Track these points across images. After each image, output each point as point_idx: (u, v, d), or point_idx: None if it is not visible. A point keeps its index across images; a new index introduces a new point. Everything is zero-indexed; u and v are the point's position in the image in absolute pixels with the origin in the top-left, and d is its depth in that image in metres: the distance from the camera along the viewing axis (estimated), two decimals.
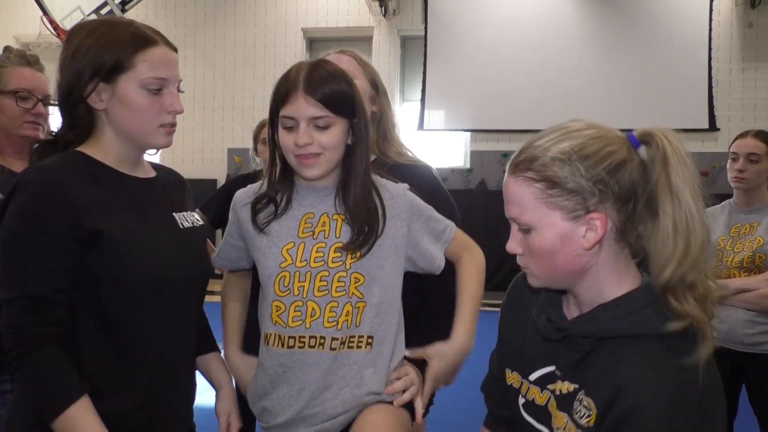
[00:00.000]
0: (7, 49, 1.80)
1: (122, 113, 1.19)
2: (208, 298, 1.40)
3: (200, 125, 11.61)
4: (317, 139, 1.24)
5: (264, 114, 1.46)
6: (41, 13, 8.80)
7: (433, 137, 10.82)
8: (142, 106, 1.18)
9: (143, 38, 1.18)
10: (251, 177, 2.84)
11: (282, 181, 1.35)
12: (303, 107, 1.23)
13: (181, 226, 1.30)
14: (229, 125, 11.37)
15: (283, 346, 1.27)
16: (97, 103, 1.19)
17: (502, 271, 5.40)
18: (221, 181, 11.50)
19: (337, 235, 1.29)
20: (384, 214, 1.32)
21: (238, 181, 2.97)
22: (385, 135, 1.73)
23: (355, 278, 1.27)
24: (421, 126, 10.16)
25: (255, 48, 11.05)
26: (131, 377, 1.16)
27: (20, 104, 1.67)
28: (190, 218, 1.35)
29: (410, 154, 1.78)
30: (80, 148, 1.22)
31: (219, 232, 1.99)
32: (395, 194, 1.37)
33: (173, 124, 1.25)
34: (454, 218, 1.53)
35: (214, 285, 1.44)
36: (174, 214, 1.31)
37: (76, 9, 9.10)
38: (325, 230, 1.29)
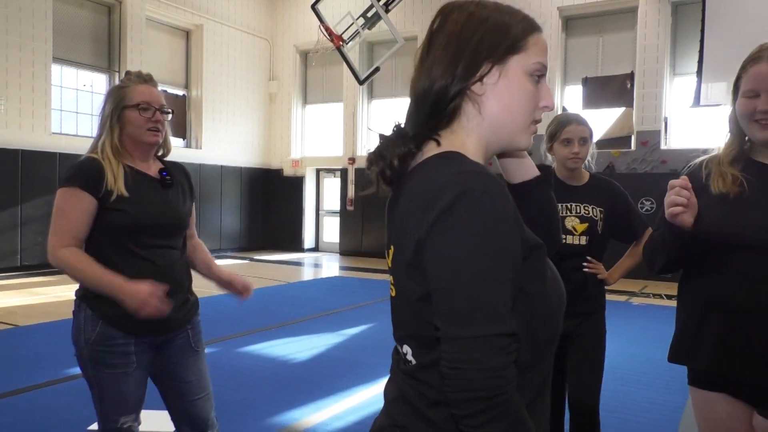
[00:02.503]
0: (127, 73, 2.03)
1: (501, 102, 0.97)
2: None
3: None
4: None
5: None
6: (318, 23, 9.90)
7: (711, 113, 9.49)
8: (526, 93, 0.97)
9: (532, 20, 1.01)
10: None
11: None
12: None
13: None
14: None
15: None
16: (479, 89, 0.97)
17: None
18: None
19: None
20: None
21: None
22: None
23: None
24: (697, 102, 8.94)
25: None
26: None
27: (142, 114, 1.92)
28: None
29: None
30: (445, 148, 0.98)
31: None
32: None
33: (538, 122, 1.02)
34: None
35: None
36: None
37: (346, 15, 10.01)
38: None
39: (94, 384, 1.90)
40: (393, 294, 0.98)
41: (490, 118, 0.97)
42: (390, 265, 0.97)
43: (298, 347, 5.08)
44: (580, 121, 2.37)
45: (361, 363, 4.64)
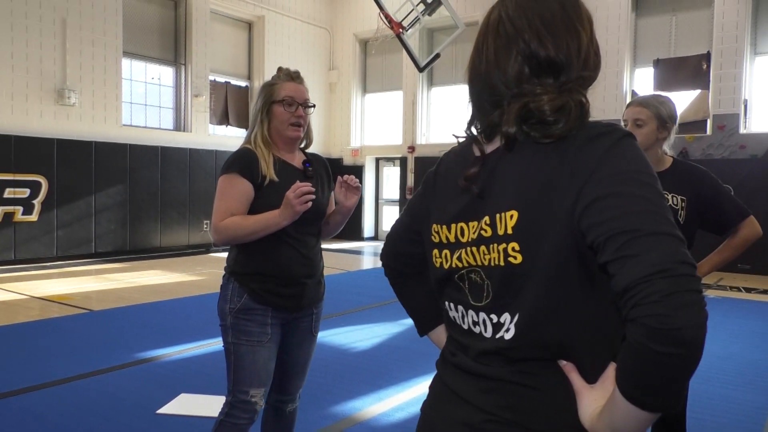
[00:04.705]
0: (279, 69, 2.19)
1: None
2: None
3: None
4: None
5: None
6: (378, 10, 9.83)
7: None
8: None
9: None
10: None
11: None
12: None
13: None
14: None
15: None
16: None
17: None
18: None
19: None
20: None
21: None
22: None
23: None
24: None
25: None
26: None
27: (286, 110, 2.09)
28: None
29: None
30: None
31: None
32: None
33: None
34: None
35: None
36: None
37: (406, 1, 9.89)
38: None
39: (231, 352, 2.06)
40: (502, 263, 0.90)
41: None
42: (508, 231, 0.89)
43: (360, 336, 5.07)
44: (636, 103, 2.22)
45: (421, 353, 4.58)
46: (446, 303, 1.04)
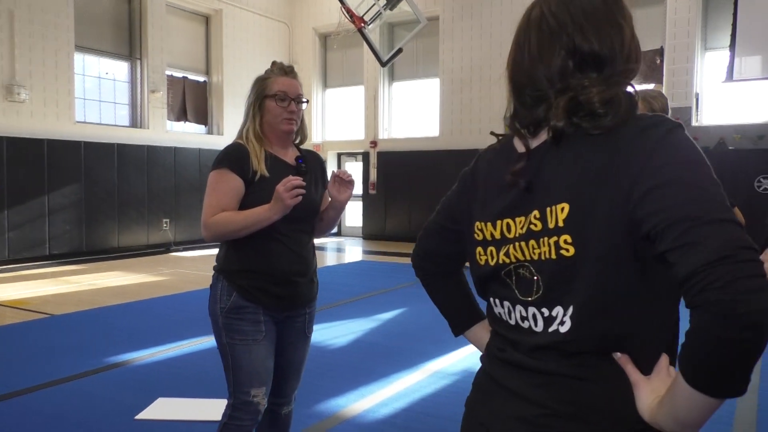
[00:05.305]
0: (273, 63, 2.16)
1: None
2: None
3: (477, 95, 11.75)
4: None
5: None
6: (339, 5, 9.75)
7: (745, 88, 9.25)
8: None
9: None
10: None
11: None
12: None
13: None
14: (506, 94, 11.23)
15: None
16: None
17: None
18: None
19: None
20: None
21: None
22: None
23: None
24: (730, 76, 8.71)
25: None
26: None
27: (279, 104, 2.06)
28: None
29: None
30: None
31: None
32: None
33: None
34: None
35: None
36: None
37: None
38: None
39: (228, 353, 2.02)
40: (553, 256, 0.90)
41: None
42: (559, 224, 0.89)
43: (335, 333, 5.04)
44: None
45: (401, 349, 4.59)
46: (491, 299, 1.03)
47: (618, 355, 0.88)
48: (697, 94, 9.75)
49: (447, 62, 12.02)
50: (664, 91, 9.77)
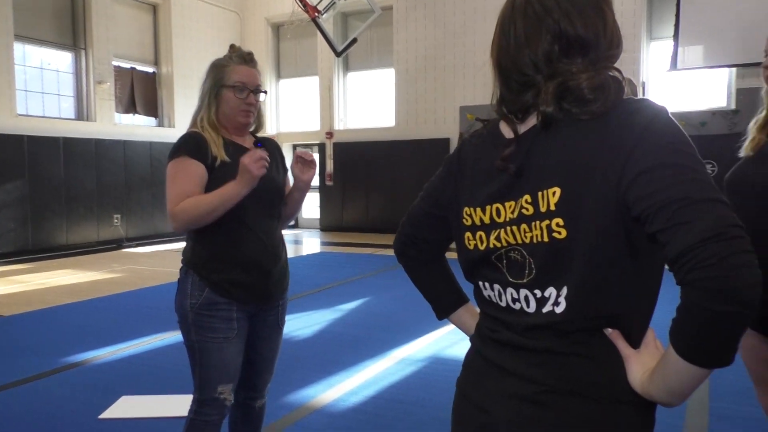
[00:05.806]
0: (231, 47, 2.05)
1: None
2: None
3: (432, 85, 11.82)
4: None
5: None
6: None
7: (688, 77, 9.60)
8: None
9: None
10: None
11: None
12: None
13: None
14: (461, 83, 11.38)
15: None
16: None
17: None
18: (454, 140, 11.69)
19: None
20: None
21: None
22: None
23: None
24: (674, 65, 9.03)
25: (486, 2, 10.80)
26: None
27: (237, 95, 1.96)
28: None
29: None
30: None
31: None
32: None
33: None
34: None
35: None
36: None
37: None
38: None
39: (197, 350, 1.95)
40: (546, 239, 0.93)
41: None
42: (551, 208, 0.92)
43: (299, 324, 5.02)
44: None
45: (366, 338, 4.61)
46: (480, 283, 1.05)
47: (609, 331, 0.92)
48: (643, 83, 10.06)
49: (401, 52, 12.04)
50: None
